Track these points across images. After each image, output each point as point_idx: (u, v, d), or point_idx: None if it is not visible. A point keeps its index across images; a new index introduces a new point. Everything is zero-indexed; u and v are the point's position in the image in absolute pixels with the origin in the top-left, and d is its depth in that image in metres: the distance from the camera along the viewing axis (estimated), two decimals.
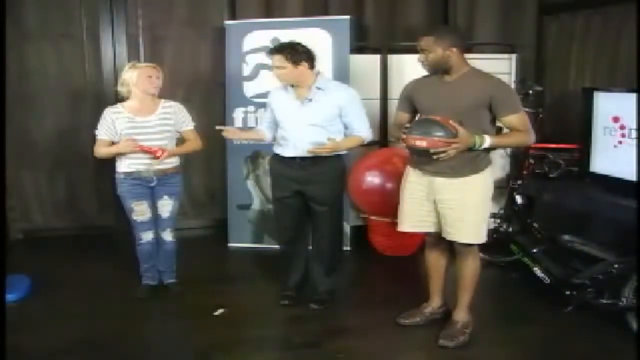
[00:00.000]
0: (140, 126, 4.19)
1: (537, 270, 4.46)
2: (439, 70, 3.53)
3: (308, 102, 4.01)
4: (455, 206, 3.57)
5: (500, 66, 5.48)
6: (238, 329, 4.01)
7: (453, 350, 3.66)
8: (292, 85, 4.04)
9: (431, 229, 3.75)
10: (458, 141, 3.32)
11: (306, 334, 3.89)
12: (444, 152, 3.33)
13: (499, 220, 5.16)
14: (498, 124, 3.63)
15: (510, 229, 5.06)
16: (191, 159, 5.81)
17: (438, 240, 3.81)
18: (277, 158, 4.17)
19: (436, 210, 3.67)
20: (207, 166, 6.14)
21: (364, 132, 4.09)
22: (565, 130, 5.38)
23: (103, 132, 4.21)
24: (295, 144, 4.02)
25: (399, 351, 3.73)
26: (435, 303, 4.02)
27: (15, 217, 5.85)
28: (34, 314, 4.23)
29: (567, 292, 4.11)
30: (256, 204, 5.60)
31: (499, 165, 5.58)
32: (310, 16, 5.64)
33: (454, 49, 3.47)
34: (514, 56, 5.60)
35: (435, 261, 3.95)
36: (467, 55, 5.44)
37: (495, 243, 5.08)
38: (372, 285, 4.65)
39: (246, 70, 5.49)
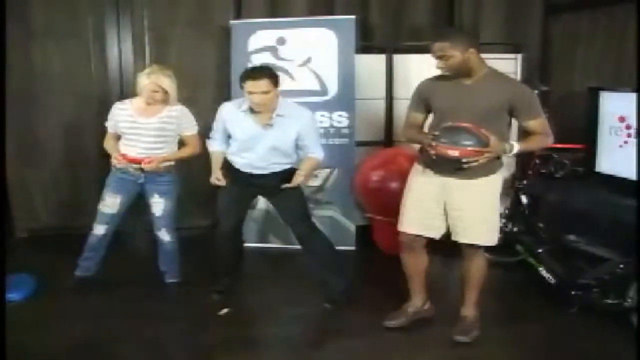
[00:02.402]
0: (140, 127, 4.23)
1: (542, 270, 4.46)
2: (461, 74, 3.47)
3: (269, 127, 4.02)
4: (470, 207, 3.56)
5: (506, 66, 5.44)
6: (242, 328, 4.00)
7: (457, 349, 3.66)
8: (252, 111, 4.01)
9: (431, 231, 3.71)
10: (490, 150, 3.30)
11: (310, 334, 3.90)
12: (475, 161, 3.30)
13: (504, 220, 5.15)
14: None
15: (515, 229, 5.06)
16: (195, 159, 5.83)
17: (415, 242, 3.77)
18: (233, 167, 4.20)
19: (444, 213, 3.65)
20: (209, 166, 6.12)
21: (319, 153, 4.15)
22: (570, 130, 5.36)
23: (110, 124, 4.35)
24: (252, 163, 4.10)
25: (403, 351, 3.74)
26: (418, 302, 3.98)
27: (19, 215, 5.87)
28: (38, 313, 4.23)
29: (572, 292, 4.11)
30: (261, 204, 5.60)
31: (504, 165, 5.58)
32: (316, 16, 5.64)
33: (472, 50, 3.41)
34: (519, 56, 5.59)
35: (415, 262, 3.88)
36: None
37: (500, 243, 5.07)
38: (376, 285, 4.63)
39: None
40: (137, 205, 4.50)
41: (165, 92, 4.24)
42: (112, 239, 4.46)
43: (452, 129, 3.36)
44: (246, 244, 5.29)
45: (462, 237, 3.64)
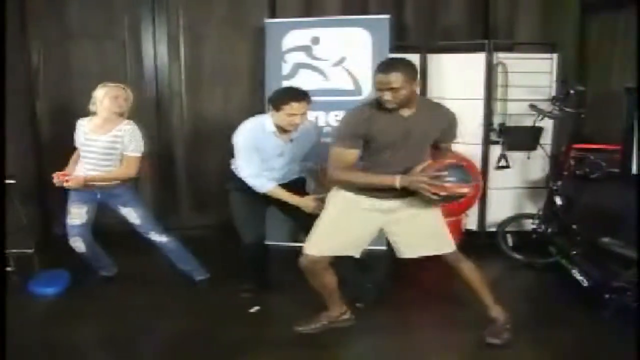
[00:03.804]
0: (91, 144, 4.34)
1: (576, 273, 4.42)
2: (404, 106, 3.36)
3: (290, 143, 4.18)
4: (427, 220, 3.63)
5: (541, 65, 5.42)
6: (270, 327, 4.05)
7: (488, 351, 3.65)
8: (280, 130, 4.13)
9: (355, 252, 3.70)
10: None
11: (338, 333, 3.91)
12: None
13: (537, 221, 5.12)
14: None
15: (549, 230, 5.02)
16: (229, 158, 5.87)
17: (321, 262, 3.67)
18: (248, 189, 4.23)
19: (372, 236, 3.71)
20: None
21: (315, 160, 4.47)
22: (606, 130, 5.31)
23: (76, 141, 4.46)
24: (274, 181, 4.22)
25: (433, 351, 3.74)
26: (335, 312, 3.96)
27: (56, 212, 5.96)
28: (72, 308, 4.33)
29: (606, 296, 4.06)
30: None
31: (538, 166, 5.55)
32: (350, 15, 5.63)
33: (417, 81, 3.37)
34: (555, 55, 5.53)
35: (331, 279, 3.78)
36: (507, 55, 5.48)
37: (533, 244, 5.04)
38: (406, 285, 4.64)
39: (285, 69, 5.50)
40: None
41: (125, 99, 4.37)
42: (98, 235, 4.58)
43: (455, 168, 3.40)
44: (277, 243, 5.32)
45: (429, 250, 3.68)
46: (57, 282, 4.62)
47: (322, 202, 3.91)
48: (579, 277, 4.38)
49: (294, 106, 3.95)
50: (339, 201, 3.64)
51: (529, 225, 5.27)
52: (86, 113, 4.36)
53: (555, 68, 5.52)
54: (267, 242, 4.73)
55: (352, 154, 3.43)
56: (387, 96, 3.28)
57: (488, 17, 6.04)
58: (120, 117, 4.38)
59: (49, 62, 5.83)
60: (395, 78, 3.23)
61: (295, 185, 4.30)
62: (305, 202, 4.16)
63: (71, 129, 4.26)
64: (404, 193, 3.44)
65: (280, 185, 4.21)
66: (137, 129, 4.39)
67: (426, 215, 3.62)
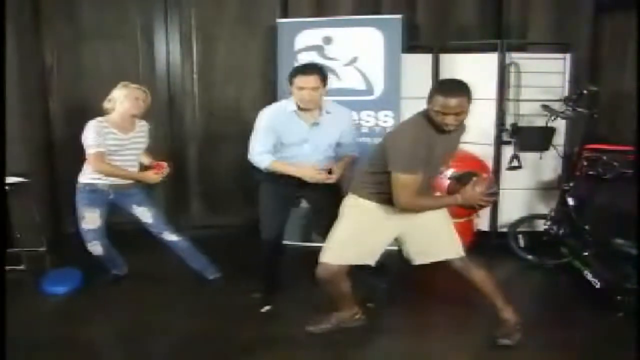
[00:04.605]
0: (126, 143, 4.34)
1: (588, 274, 4.40)
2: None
3: (316, 126, 4.05)
4: (441, 225, 3.66)
5: (554, 66, 5.40)
6: (282, 326, 4.05)
7: (500, 352, 3.64)
8: (300, 109, 4.02)
9: (372, 261, 3.72)
10: None
11: (350, 333, 3.90)
12: None
13: (549, 222, 5.10)
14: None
15: (561, 231, 5.00)
16: (242, 157, 5.89)
17: (341, 271, 3.68)
18: (275, 175, 4.12)
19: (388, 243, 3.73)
20: None
21: (355, 151, 4.28)
22: (620, 131, 5.29)
23: (99, 141, 4.23)
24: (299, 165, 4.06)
25: (444, 352, 3.73)
26: (347, 313, 3.94)
27: (69, 211, 5.99)
28: (83, 307, 4.35)
29: (618, 297, 4.05)
30: (304, 202, 5.62)
31: (550, 166, 5.52)
32: (362, 15, 5.63)
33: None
34: (567, 55, 5.50)
35: (346, 286, 3.78)
36: (520, 55, 5.46)
37: (545, 245, 5.02)
38: (417, 286, 4.63)
39: None
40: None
41: (144, 101, 4.39)
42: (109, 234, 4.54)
43: (492, 181, 3.56)
44: (289, 243, 5.33)
45: (441, 255, 3.69)
46: (68, 280, 4.64)
47: (327, 174, 3.97)
48: (591, 278, 4.37)
49: (301, 79, 3.89)
50: (357, 211, 3.64)
51: (541, 226, 5.25)
52: (99, 113, 4.35)
53: (568, 68, 5.49)
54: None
55: (420, 177, 3.35)
56: (451, 120, 3.25)
57: (501, 16, 6.00)
58: (136, 117, 4.40)
59: (62, 63, 5.86)
60: (462, 102, 3.22)
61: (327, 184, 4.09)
62: (307, 172, 4.02)
63: (83, 129, 4.25)
64: None
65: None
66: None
67: (438, 220, 3.65)
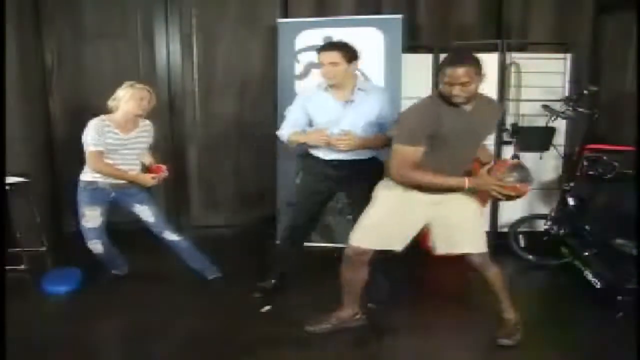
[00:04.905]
0: (127, 142, 4.34)
1: (588, 274, 4.40)
2: (470, 101, 3.33)
3: (350, 104, 4.00)
4: (466, 218, 3.59)
5: (555, 66, 5.41)
6: (284, 326, 4.03)
7: (501, 352, 3.64)
8: (331, 86, 4.01)
9: (399, 246, 3.69)
10: None
11: (352, 333, 3.90)
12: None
13: (549, 222, 5.09)
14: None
15: (561, 231, 4.99)
16: (242, 157, 5.91)
17: (364, 256, 3.68)
18: (315, 159, 4.13)
19: (418, 230, 3.67)
20: (258, 163, 6.19)
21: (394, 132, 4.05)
22: (620, 131, 5.29)
23: (99, 141, 4.24)
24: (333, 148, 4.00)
25: (446, 352, 3.72)
26: (347, 313, 3.93)
27: (69, 211, 6.00)
28: (84, 306, 4.34)
29: (619, 297, 4.05)
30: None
31: (551, 166, 5.53)
32: (363, 15, 5.64)
33: (482, 75, 3.31)
34: (568, 55, 5.51)
35: (362, 277, 3.79)
36: (521, 55, 5.47)
37: (545, 245, 5.02)
38: (421, 286, 4.63)
39: (298, 69, 5.51)
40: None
41: (149, 102, 4.38)
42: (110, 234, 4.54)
43: (519, 166, 3.40)
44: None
45: (465, 247, 3.63)
46: (69, 280, 4.63)
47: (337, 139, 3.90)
48: (591, 278, 4.37)
49: (322, 55, 3.94)
50: (390, 195, 3.61)
51: (541, 226, 5.25)
52: (98, 113, 4.35)
53: (569, 68, 5.50)
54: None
55: (420, 151, 3.34)
56: (457, 91, 3.23)
57: (501, 16, 6.02)
58: (139, 117, 4.40)
59: (63, 62, 5.87)
60: (466, 72, 3.19)
61: (368, 168, 4.04)
62: (312, 137, 4.04)
63: (84, 128, 4.25)
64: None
65: (347, 164, 4.02)
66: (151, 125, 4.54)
67: (465, 213, 3.60)
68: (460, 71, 3.18)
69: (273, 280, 4.50)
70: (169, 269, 4.79)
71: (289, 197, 5.62)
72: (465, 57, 3.28)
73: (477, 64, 3.25)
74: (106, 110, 4.36)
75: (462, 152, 3.44)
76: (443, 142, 3.34)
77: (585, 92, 4.98)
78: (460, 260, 3.68)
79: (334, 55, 3.90)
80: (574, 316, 4.17)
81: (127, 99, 4.30)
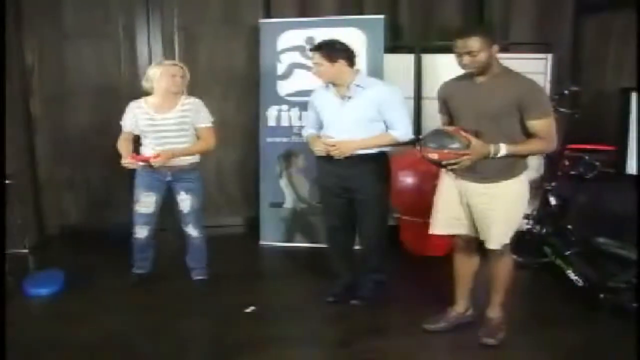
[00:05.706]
0: (159, 123, 4.27)
1: (571, 273, 4.43)
2: (484, 72, 3.38)
3: (348, 100, 4.01)
4: (485, 211, 3.53)
5: (536, 66, 5.43)
6: (269, 327, 4.03)
7: (485, 352, 3.64)
8: (333, 84, 4.05)
9: (462, 230, 3.69)
10: (470, 152, 3.27)
11: (336, 333, 3.91)
12: (455, 163, 3.31)
13: (531, 222, 5.12)
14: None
15: (544, 231, 5.02)
16: (224, 157, 5.89)
17: (467, 243, 3.77)
18: (322, 157, 4.12)
19: (469, 213, 3.63)
20: (241, 164, 6.18)
21: (400, 130, 4.03)
22: (601, 131, 5.32)
23: (126, 123, 4.38)
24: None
25: (430, 352, 3.74)
26: (460, 308, 3.95)
27: (50, 213, 5.97)
28: (68, 308, 4.31)
29: (601, 296, 4.07)
30: (289, 203, 5.62)
31: (533, 165, 5.54)
32: (345, 15, 5.65)
33: (496, 47, 3.36)
34: (549, 56, 5.54)
35: (463, 265, 3.86)
36: (502, 55, 5.48)
37: (528, 244, 5.04)
38: (404, 286, 4.63)
39: (280, 69, 5.51)
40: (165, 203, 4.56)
41: (182, 77, 4.31)
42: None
43: (436, 133, 3.41)
44: (273, 243, 5.32)
45: (486, 239, 3.61)
46: (51, 282, 4.60)
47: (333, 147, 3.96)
48: (573, 277, 4.39)
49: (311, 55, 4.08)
50: (442, 178, 3.74)
51: (524, 225, 5.26)
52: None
53: (550, 68, 5.53)
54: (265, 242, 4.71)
55: (444, 119, 3.69)
56: (465, 60, 3.33)
57: (483, 17, 6.05)
58: (177, 94, 4.34)
59: (44, 62, 5.82)
60: (474, 42, 3.28)
61: (374, 163, 4.09)
62: (313, 145, 4.13)
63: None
64: (471, 172, 3.43)
65: (352, 160, 4.00)
66: (200, 101, 4.43)
67: (504, 203, 3.52)
68: (467, 41, 3.28)
69: (338, 287, 4.41)
70: (160, 271, 4.78)
71: (272, 198, 5.64)
72: (474, 27, 3.46)
73: (485, 35, 3.32)
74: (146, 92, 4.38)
75: (470, 125, 3.40)
76: (454, 113, 3.56)
77: (566, 92, 5.00)
78: (441, 259, 3.70)
79: (316, 57, 3.96)
80: (556, 315, 4.17)
81: (158, 77, 4.26)
